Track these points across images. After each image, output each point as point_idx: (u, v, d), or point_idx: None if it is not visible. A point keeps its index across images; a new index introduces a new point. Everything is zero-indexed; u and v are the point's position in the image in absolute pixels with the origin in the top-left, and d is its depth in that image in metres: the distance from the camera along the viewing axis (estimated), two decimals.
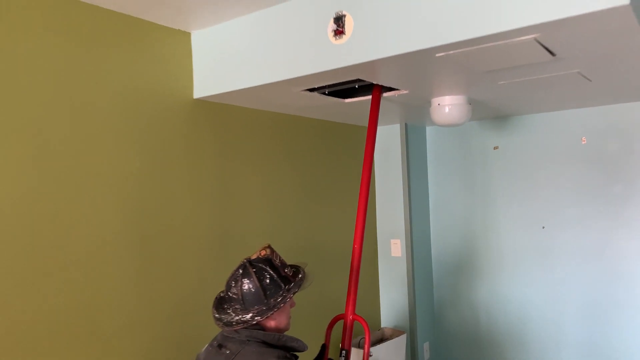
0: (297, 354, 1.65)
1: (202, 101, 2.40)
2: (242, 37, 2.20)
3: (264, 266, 1.63)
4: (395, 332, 3.39)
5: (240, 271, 1.63)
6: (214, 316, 1.64)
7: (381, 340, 3.30)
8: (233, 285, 1.62)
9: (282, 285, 1.62)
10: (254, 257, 1.68)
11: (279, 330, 1.65)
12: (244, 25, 2.19)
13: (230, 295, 1.63)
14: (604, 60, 1.95)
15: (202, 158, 2.40)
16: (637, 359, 2.97)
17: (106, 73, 2.01)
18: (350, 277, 2.22)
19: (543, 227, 3.26)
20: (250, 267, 1.62)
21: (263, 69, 2.14)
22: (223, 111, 2.51)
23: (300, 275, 1.70)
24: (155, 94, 2.20)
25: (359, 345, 3.12)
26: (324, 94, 2.40)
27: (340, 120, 3.25)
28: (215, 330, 1.73)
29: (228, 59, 2.26)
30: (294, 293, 1.64)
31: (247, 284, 1.60)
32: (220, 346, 1.63)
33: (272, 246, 1.73)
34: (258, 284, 1.59)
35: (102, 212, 1.98)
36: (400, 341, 3.26)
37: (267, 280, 1.61)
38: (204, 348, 1.70)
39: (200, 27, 2.30)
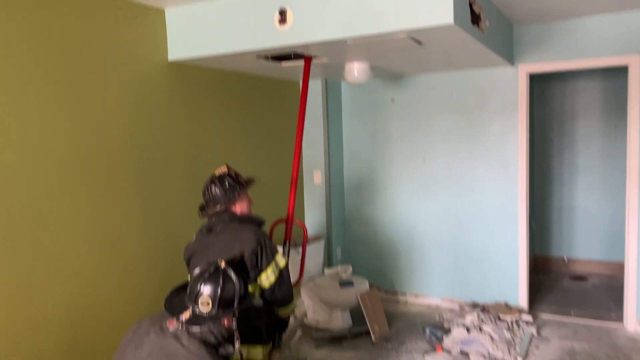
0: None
1: (175, 63, 3.18)
2: (207, 17, 2.99)
3: (223, 176, 2.42)
4: (316, 239, 4.47)
5: (209, 181, 2.42)
6: (199, 212, 2.45)
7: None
8: (206, 192, 2.41)
9: (238, 186, 2.41)
10: (216, 173, 2.47)
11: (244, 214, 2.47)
12: (209, 8, 2.98)
13: (206, 199, 2.44)
14: (455, 45, 3.01)
15: (176, 105, 3.20)
16: (486, 252, 4.24)
17: (103, 47, 2.72)
18: (290, 193, 3.18)
19: (424, 159, 4.43)
20: (216, 178, 2.42)
21: (225, 43, 2.96)
22: (190, 70, 3.30)
23: (250, 181, 2.51)
24: (139, 59, 2.94)
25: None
26: (268, 59, 3.26)
27: (278, 76, 4.13)
28: None
29: (194, 32, 3.04)
30: (245, 188, 2.42)
31: (213, 189, 2.39)
32: (209, 229, 2.42)
33: (228, 165, 2.56)
34: (220, 187, 2.38)
35: (113, 151, 2.78)
36: (320, 245, 4.36)
37: (227, 185, 2.38)
38: (193, 238, 2.47)
39: (172, 5, 3.04)
